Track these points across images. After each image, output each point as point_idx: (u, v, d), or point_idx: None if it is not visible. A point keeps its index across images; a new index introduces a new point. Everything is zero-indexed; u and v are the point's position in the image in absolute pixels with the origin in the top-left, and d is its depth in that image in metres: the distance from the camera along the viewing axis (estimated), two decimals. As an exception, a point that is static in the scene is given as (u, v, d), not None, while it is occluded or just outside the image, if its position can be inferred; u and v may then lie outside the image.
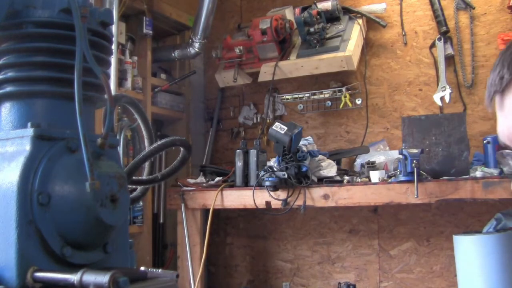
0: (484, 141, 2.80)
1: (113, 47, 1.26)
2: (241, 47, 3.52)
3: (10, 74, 0.98)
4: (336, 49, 3.28)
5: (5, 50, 0.99)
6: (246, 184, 3.14)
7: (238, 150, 3.20)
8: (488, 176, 2.60)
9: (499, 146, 2.74)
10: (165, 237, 3.75)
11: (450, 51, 3.27)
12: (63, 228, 0.89)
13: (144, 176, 1.22)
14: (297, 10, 3.32)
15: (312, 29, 3.28)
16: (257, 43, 3.48)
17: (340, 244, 3.56)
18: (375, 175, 2.86)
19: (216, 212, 3.24)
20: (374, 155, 3.16)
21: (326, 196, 2.88)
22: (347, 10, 3.49)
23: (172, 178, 3.26)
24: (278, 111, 3.82)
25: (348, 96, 3.44)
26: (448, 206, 3.20)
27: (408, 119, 2.97)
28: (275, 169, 2.94)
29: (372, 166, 3.00)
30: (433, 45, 3.36)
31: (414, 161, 2.59)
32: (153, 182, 1.21)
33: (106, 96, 0.94)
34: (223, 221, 3.98)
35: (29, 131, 0.91)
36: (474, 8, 3.26)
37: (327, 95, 3.49)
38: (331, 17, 3.42)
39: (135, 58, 3.48)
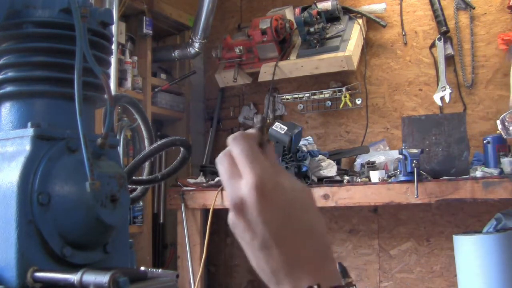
0: (484, 141, 2.81)
1: (113, 47, 1.26)
2: (241, 47, 3.52)
3: (10, 74, 0.98)
4: (336, 49, 3.28)
5: (5, 50, 0.99)
6: (246, 184, 3.14)
7: (238, 150, 3.19)
8: (488, 176, 2.60)
9: (499, 146, 2.74)
10: (165, 237, 3.75)
11: (450, 51, 3.27)
12: (63, 228, 0.89)
13: (144, 176, 1.22)
14: (297, 10, 3.32)
15: (312, 29, 3.28)
16: (257, 43, 3.48)
17: (340, 244, 3.56)
18: (375, 175, 2.86)
19: (216, 212, 3.24)
20: (374, 155, 3.16)
21: (326, 196, 2.88)
22: (347, 10, 3.49)
23: (172, 178, 3.26)
24: (278, 111, 3.82)
25: (348, 96, 3.44)
26: (448, 206, 3.20)
27: (408, 119, 2.97)
28: (275, 169, 2.94)
29: (372, 166, 3.00)
30: (433, 45, 3.36)
31: (414, 161, 2.59)
32: (153, 182, 1.21)
33: (106, 96, 0.94)
34: (223, 221, 3.95)
35: (29, 131, 0.91)
36: (474, 8, 3.26)
37: (327, 95, 3.49)
38: (331, 17, 3.43)
39: (135, 58, 3.48)
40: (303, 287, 0.56)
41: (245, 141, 0.62)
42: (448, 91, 3.19)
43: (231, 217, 0.62)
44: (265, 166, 0.60)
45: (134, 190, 1.22)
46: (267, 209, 0.59)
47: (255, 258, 0.61)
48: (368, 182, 2.88)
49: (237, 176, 0.61)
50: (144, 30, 3.47)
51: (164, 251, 3.74)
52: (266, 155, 0.64)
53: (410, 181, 2.63)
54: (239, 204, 0.60)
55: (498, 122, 2.73)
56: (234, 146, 0.62)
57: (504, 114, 2.75)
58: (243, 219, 0.60)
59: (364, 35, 3.45)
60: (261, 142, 0.66)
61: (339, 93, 3.46)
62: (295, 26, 3.47)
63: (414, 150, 2.65)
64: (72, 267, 0.88)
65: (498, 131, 2.78)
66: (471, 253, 2.63)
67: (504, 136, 2.72)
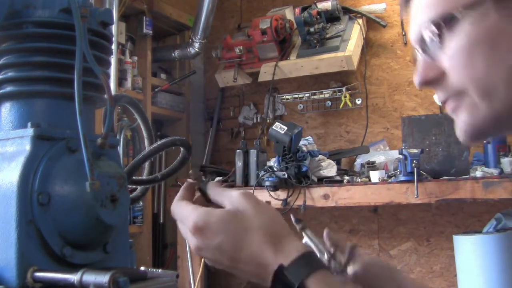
0: (484, 141, 2.81)
1: (113, 47, 1.26)
2: (241, 47, 3.52)
3: (10, 74, 0.98)
4: (336, 49, 3.28)
5: (5, 50, 0.99)
6: (246, 184, 3.14)
7: (238, 150, 3.20)
8: (488, 176, 2.60)
9: (499, 146, 2.74)
10: (165, 237, 3.75)
11: (450, 51, 3.27)
12: (63, 228, 0.89)
13: (144, 176, 1.22)
14: (297, 10, 3.32)
15: (312, 29, 3.28)
16: (257, 43, 3.48)
17: (340, 244, 3.56)
18: (375, 175, 2.87)
19: (216, 212, 3.24)
20: (374, 155, 3.16)
21: (326, 196, 2.88)
22: (347, 10, 3.49)
23: (172, 178, 3.26)
24: (278, 111, 3.82)
25: (348, 96, 3.44)
26: (448, 206, 3.20)
27: (408, 119, 2.97)
28: (275, 169, 2.94)
29: (372, 166, 3.01)
30: (433, 45, 3.35)
31: (414, 161, 2.59)
32: (153, 182, 1.21)
33: (106, 96, 0.94)
34: (223, 221, 3.97)
35: (29, 131, 0.91)
36: (474, 8, 3.25)
37: (327, 95, 3.49)
38: (331, 17, 3.43)
39: (135, 58, 3.48)
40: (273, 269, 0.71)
41: (178, 207, 0.80)
42: (448, 91, 3.19)
43: (204, 259, 0.82)
44: (190, 211, 0.77)
45: (134, 190, 1.22)
46: (211, 240, 0.74)
47: (234, 273, 0.76)
48: (368, 182, 2.88)
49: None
50: (144, 30, 3.48)
51: (164, 251, 3.74)
52: (209, 193, 0.82)
53: (410, 181, 2.63)
54: (197, 249, 0.76)
55: None
56: (176, 216, 0.81)
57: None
58: (207, 256, 0.77)
59: (364, 35, 3.45)
60: (200, 188, 0.84)
61: (339, 93, 3.46)
62: (295, 26, 3.47)
63: (414, 150, 2.65)
64: (72, 267, 0.88)
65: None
66: (471, 253, 2.63)
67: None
